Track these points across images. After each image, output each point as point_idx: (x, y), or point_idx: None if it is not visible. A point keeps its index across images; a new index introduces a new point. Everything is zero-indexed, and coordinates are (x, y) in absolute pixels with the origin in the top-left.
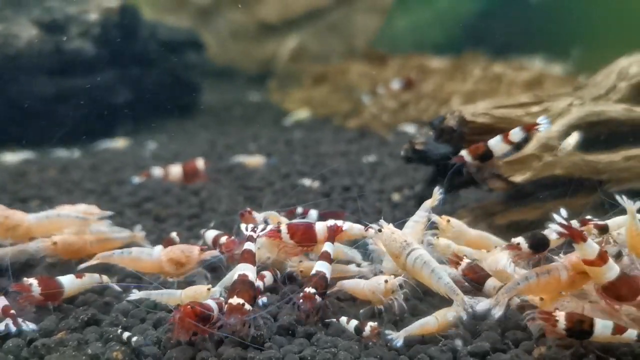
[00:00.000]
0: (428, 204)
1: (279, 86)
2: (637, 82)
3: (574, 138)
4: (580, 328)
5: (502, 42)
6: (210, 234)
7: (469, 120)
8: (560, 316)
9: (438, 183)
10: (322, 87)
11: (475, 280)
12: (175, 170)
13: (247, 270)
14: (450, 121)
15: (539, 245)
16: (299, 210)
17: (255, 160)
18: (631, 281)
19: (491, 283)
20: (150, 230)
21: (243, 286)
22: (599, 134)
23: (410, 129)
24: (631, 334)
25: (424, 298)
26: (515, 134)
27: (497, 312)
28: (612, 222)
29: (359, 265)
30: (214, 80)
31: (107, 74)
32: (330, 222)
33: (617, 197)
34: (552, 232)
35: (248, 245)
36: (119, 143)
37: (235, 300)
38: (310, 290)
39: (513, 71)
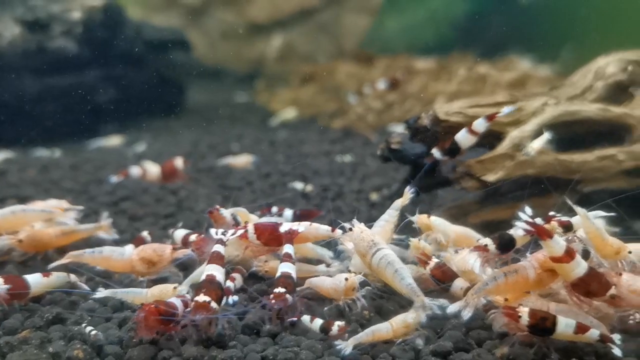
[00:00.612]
0: (399, 203)
1: (267, 86)
2: (613, 81)
3: (538, 142)
4: (543, 325)
5: (493, 43)
6: (179, 233)
7: (442, 119)
8: (524, 312)
9: (412, 182)
10: (309, 88)
11: (442, 281)
12: (154, 169)
13: (215, 271)
14: (424, 120)
15: (506, 245)
16: (274, 209)
17: (243, 160)
18: (600, 277)
19: (458, 283)
20: (124, 230)
21: (210, 285)
22: (574, 134)
23: (395, 129)
24: (593, 333)
25: (391, 297)
26: (479, 124)
27: (467, 314)
28: (577, 219)
29: (328, 264)
30: (202, 80)
31: (91, 72)
32: (299, 224)
33: (569, 203)
34: (518, 230)
35: (217, 248)
36: (113, 141)
37: (202, 298)
38: (279, 289)
39: (497, 72)
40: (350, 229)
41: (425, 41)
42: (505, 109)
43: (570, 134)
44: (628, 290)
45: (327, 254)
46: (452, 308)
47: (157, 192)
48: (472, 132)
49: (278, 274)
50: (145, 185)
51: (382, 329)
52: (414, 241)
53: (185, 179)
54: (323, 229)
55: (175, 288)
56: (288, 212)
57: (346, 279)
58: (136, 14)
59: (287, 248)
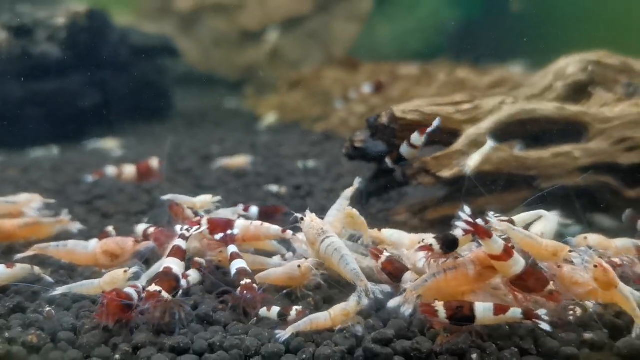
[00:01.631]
0: (348, 192)
1: (255, 92)
2: (572, 81)
3: (478, 156)
4: (461, 314)
5: (483, 50)
6: (141, 227)
7: (398, 117)
8: (439, 306)
9: (380, 179)
10: (296, 93)
11: (393, 274)
12: (129, 169)
13: (172, 263)
14: (383, 118)
15: (450, 245)
16: (240, 206)
17: (239, 161)
18: (538, 273)
19: (409, 276)
20: (95, 227)
21: (164, 277)
22: (532, 132)
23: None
24: (515, 312)
25: (344, 290)
26: (415, 139)
27: (407, 310)
28: (518, 218)
29: (283, 256)
30: (194, 86)
31: (74, 77)
32: (251, 223)
33: (489, 216)
34: (458, 229)
35: (178, 242)
36: (109, 144)
37: (153, 288)
38: (246, 281)
39: (476, 76)
40: (302, 219)
41: (414, 49)
42: (435, 122)
43: (527, 131)
44: (570, 282)
45: (281, 247)
46: (392, 303)
47: (132, 191)
48: (411, 145)
49: (234, 271)
50: (122, 185)
51: (321, 318)
52: (371, 231)
53: (160, 178)
54: (274, 229)
55: (125, 272)
56: (254, 209)
57: (299, 266)
58: (129, 22)
59: (231, 248)
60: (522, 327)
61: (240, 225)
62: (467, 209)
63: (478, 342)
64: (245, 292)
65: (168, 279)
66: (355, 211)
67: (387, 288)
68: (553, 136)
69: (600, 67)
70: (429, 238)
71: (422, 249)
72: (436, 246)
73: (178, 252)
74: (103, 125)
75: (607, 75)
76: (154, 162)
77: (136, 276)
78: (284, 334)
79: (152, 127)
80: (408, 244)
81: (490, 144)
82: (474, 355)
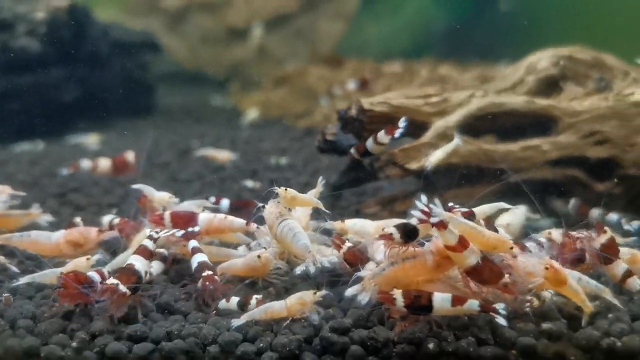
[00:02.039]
0: (313, 192)
1: (241, 89)
2: (544, 76)
3: (440, 152)
4: (419, 303)
5: (472, 49)
6: (107, 218)
7: (366, 109)
8: (397, 294)
9: (352, 172)
10: (280, 90)
11: (354, 264)
12: (104, 163)
13: (136, 260)
14: (352, 111)
15: (410, 234)
16: (212, 199)
17: (223, 155)
18: (493, 266)
19: (371, 266)
20: (66, 219)
21: (125, 272)
22: (501, 125)
23: None
24: (472, 304)
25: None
26: (381, 137)
27: (364, 299)
28: (479, 209)
29: (248, 245)
30: (182, 82)
31: (54, 71)
32: (215, 216)
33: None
34: (414, 219)
35: (146, 242)
36: (91, 139)
37: (111, 281)
38: (207, 272)
39: (457, 73)
40: (263, 207)
41: (401, 47)
42: (402, 123)
43: (498, 125)
44: (524, 272)
45: (245, 237)
46: (349, 292)
47: (107, 184)
48: (377, 142)
49: (195, 264)
50: (97, 178)
51: (276, 307)
52: (335, 223)
53: (136, 172)
54: (237, 222)
55: (88, 259)
56: (225, 202)
57: (259, 256)
58: (117, 18)
59: (192, 243)
60: (480, 317)
61: (203, 219)
62: (423, 199)
63: (436, 331)
64: (207, 283)
65: (128, 274)
66: (293, 191)
67: (334, 259)
68: (524, 129)
69: (572, 61)
70: (390, 226)
71: (381, 237)
72: (396, 235)
73: (144, 252)
74: (83, 120)
75: (578, 69)
76: (130, 156)
77: (99, 263)
78: (238, 322)
79: (134, 122)
80: (373, 232)
81: (456, 141)
82: (431, 345)
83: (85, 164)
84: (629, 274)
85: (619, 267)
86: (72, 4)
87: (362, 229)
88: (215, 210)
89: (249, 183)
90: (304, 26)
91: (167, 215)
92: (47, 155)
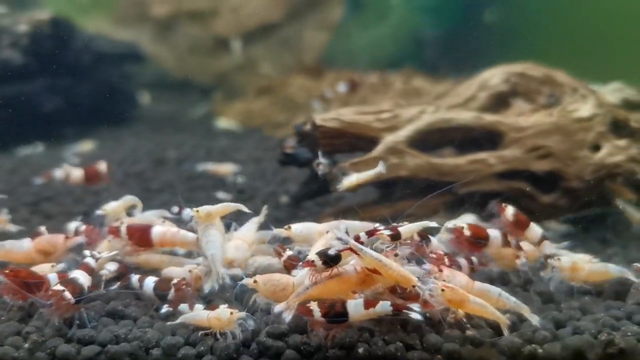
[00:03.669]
0: (256, 219)
1: (225, 98)
2: (495, 92)
3: (350, 180)
4: (334, 311)
5: (454, 57)
6: (73, 225)
7: (319, 125)
8: (314, 305)
9: (313, 183)
10: (262, 99)
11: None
12: (76, 172)
13: (79, 274)
14: (307, 126)
15: (331, 261)
16: (175, 209)
17: (225, 169)
18: None
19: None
20: (35, 228)
21: (70, 282)
22: (451, 139)
23: None
24: (384, 305)
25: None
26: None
27: (287, 316)
28: (405, 228)
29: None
30: (166, 91)
31: (37, 83)
32: (168, 229)
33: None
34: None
35: (89, 260)
36: (86, 146)
37: (57, 287)
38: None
39: (430, 85)
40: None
41: (387, 55)
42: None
43: (446, 139)
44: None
45: None
46: (277, 308)
47: (79, 193)
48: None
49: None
50: (71, 188)
51: (199, 317)
52: (280, 230)
53: (108, 181)
54: (189, 236)
55: (53, 266)
56: (187, 212)
57: (190, 271)
58: (105, 28)
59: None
60: (410, 324)
61: (157, 232)
62: (343, 226)
63: (365, 337)
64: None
65: (73, 284)
66: (203, 209)
67: (238, 272)
68: (475, 144)
69: (524, 78)
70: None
71: (305, 264)
72: (318, 262)
73: (87, 268)
74: (65, 129)
75: (530, 86)
76: (102, 166)
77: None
78: (173, 324)
79: (115, 132)
80: (317, 237)
81: (380, 168)
82: (361, 349)
83: (58, 173)
84: (543, 238)
85: (534, 230)
86: (54, 16)
87: (308, 235)
88: (178, 220)
89: (221, 194)
90: (289, 36)
91: (123, 227)
92: (26, 164)
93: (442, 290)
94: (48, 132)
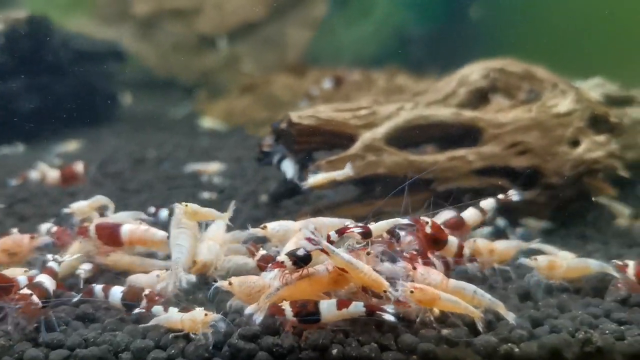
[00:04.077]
0: (225, 216)
1: (207, 97)
2: (475, 88)
3: (315, 179)
4: (306, 311)
5: (438, 54)
6: (45, 227)
7: (295, 122)
8: (286, 305)
9: (291, 182)
10: (245, 98)
11: None
12: (52, 173)
13: (44, 279)
14: (283, 124)
15: (301, 261)
16: (151, 209)
17: (213, 167)
18: None
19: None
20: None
21: (36, 286)
22: (430, 136)
23: None
24: (357, 306)
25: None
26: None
27: (258, 318)
28: (376, 225)
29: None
30: (149, 90)
31: (14, 82)
32: (138, 227)
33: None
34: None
35: (52, 264)
36: (71, 146)
37: (24, 291)
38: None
39: (412, 82)
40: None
41: (372, 52)
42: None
43: (426, 136)
44: (423, 284)
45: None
46: (247, 310)
47: (56, 195)
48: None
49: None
50: (47, 189)
51: (173, 319)
52: (256, 230)
53: (85, 182)
54: (159, 235)
55: (26, 271)
56: (163, 212)
57: (158, 276)
58: (87, 27)
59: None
60: (385, 325)
61: (126, 230)
62: (311, 226)
63: (339, 338)
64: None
65: (39, 288)
66: (193, 206)
67: (192, 278)
68: (454, 140)
69: (504, 74)
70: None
71: (274, 266)
72: (288, 263)
73: (51, 272)
74: (43, 129)
75: (509, 82)
76: (79, 166)
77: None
78: (146, 325)
79: (97, 131)
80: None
81: (347, 170)
82: (335, 351)
83: (34, 174)
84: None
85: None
86: (31, 15)
87: (285, 233)
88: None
89: (206, 194)
90: (272, 34)
91: (92, 227)
92: (3, 164)
93: (411, 292)
94: (27, 132)
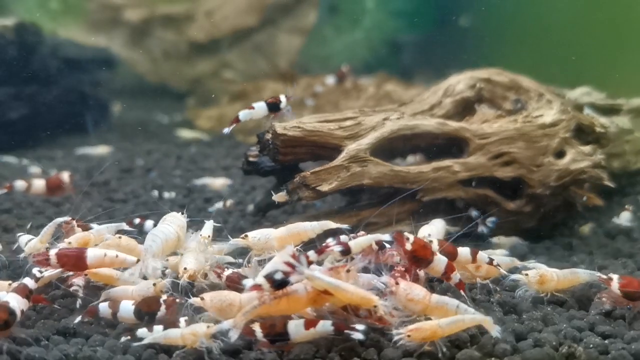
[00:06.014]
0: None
1: (197, 104)
2: (461, 98)
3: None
4: (274, 331)
5: (428, 62)
6: (24, 238)
7: (280, 133)
8: (256, 326)
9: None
10: (236, 105)
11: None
12: (38, 183)
13: (12, 299)
14: (268, 134)
15: (278, 285)
16: (136, 220)
17: (219, 182)
18: None
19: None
20: None
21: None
22: (415, 146)
23: None
24: (325, 325)
25: None
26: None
27: (234, 335)
28: (355, 242)
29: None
30: (141, 97)
31: (2, 90)
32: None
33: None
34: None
35: (27, 281)
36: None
37: None
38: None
39: (401, 89)
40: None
41: (362, 59)
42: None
43: (411, 146)
44: (406, 299)
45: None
46: (224, 325)
47: (40, 205)
48: None
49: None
50: (32, 199)
51: (172, 335)
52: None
53: (71, 192)
54: (129, 260)
55: (10, 284)
56: (149, 223)
57: (154, 284)
58: (78, 35)
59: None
60: (368, 338)
61: (92, 257)
62: (289, 249)
63: (322, 353)
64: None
65: (2, 310)
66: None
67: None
68: (440, 150)
69: (490, 84)
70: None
71: (253, 288)
72: (266, 285)
73: (22, 290)
74: (31, 137)
75: (495, 92)
76: (65, 176)
77: None
78: (138, 344)
79: (85, 140)
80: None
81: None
82: None
83: (19, 184)
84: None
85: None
86: (20, 22)
87: (266, 243)
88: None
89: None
90: (263, 41)
91: (52, 254)
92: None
93: (408, 336)
94: (15, 141)
